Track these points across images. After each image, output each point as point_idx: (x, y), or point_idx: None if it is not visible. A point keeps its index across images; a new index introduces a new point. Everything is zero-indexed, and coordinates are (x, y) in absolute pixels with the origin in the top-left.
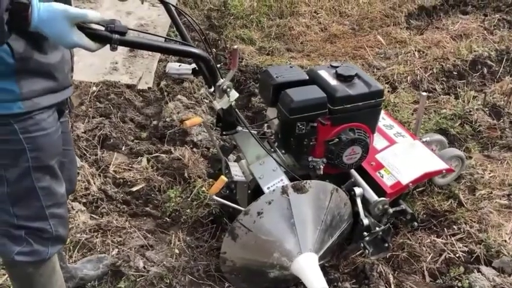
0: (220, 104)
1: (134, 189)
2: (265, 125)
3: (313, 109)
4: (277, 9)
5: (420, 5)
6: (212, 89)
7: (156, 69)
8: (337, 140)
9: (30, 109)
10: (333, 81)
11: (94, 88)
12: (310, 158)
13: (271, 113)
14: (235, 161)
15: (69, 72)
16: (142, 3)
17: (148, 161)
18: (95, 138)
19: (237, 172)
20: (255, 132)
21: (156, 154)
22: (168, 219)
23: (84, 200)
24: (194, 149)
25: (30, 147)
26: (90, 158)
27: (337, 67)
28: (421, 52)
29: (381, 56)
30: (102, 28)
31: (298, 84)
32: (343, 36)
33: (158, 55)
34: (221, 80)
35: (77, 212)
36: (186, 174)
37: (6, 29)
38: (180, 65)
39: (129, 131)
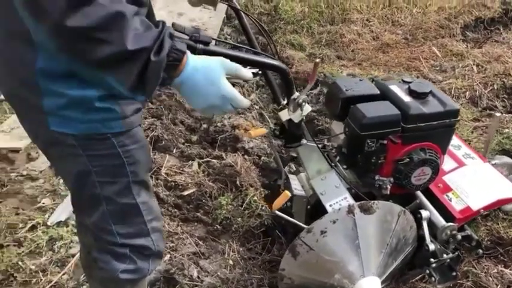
0: (292, 117)
1: (185, 193)
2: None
3: (386, 126)
4: (328, 15)
5: (477, 17)
6: (285, 101)
7: None
8: (407, 159)
9: (128, 128)
10: (406, 98)
11: None
12: (376, 177)
13: (336, 127)
14: (292, 174)
15: None
16: (215, 9)
17: (199, 165)
18: (147, 139)
19: (296, 186)
20: (320, 146)
21: (207, 159)
22: (219, 227)
23: None
24: (245, 156)
25: (129, 160)
26: None
27: (410, 83)
28: (480, 66)
29: (437, 68)
30: (186, 37)
31: (369, 99)
32: (395, 45)
33: None
34: (297, 94)
35: None
36: (237, 182)
37: (161, 76)
38: None
39: (179, 134)
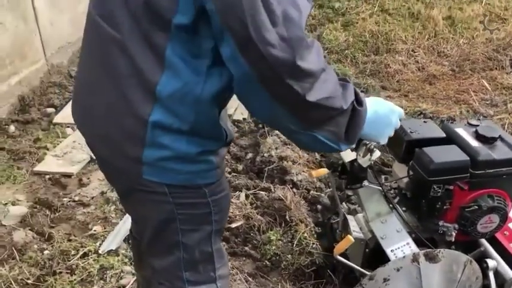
0: (361, 161)
1: (233, 225)
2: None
3: (454, 172)
4: (372, 45)
5: None
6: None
7: None
8: (475, 206)
9: (219, 177)
10: (473, 142)
11: None
12: (440, 222)
13: (399, 169)
14: (349, 214)
15: None
16: None
17: (247, 197)
18: None
19: (354, 227)
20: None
21: (255, 190)
22: (268, 263)
23: None
24: (294, 189)
25: (216, 209)
26: None
27: (477, 126)
28: None
29: (487, 102)
30: None
31: (435, 142)
32: (442, 77)
33: None
34: None
35: None
36: (287, 217)
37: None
38: None
39: (225, 162)
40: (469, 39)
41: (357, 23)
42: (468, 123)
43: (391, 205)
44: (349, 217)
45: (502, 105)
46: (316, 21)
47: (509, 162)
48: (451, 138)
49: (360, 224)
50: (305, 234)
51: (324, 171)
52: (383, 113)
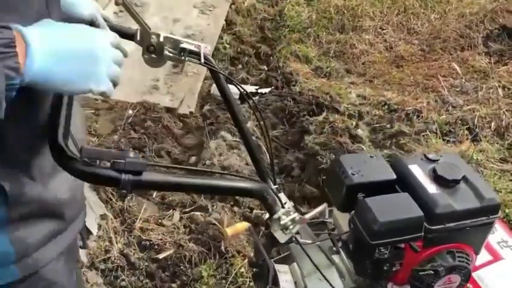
0: (278, 237)
1: (161, 256)
2: (327, 211)
3: (403, 233)
4: (338, 22)
5: (502, 25)
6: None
7: (200, 90)
8: (429, 268)
9: (31, 271)
10: (430, 187)
11: (130, 112)
12: (389, 285)
13: (341, 215)
14: (281, 263)
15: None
16: (181, 71)
17: (180, 218)
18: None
19: (286, 284)
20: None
21: (190, 209)
22: None
23: (103, 267)
24: (234, 208)
25: None
26: (116, 205)
27: (435, 161)
28: (506, 89)
29: (457, 89)
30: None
31: (383, 187)
32: (411, 58)
33: (203, 73)
34: (282, 210)
35: (92, 286)
36: (222, 247)
37: None
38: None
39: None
40: (441, 14)
41: None
42: (425, 157)
43: (333, 246)
44: (283, 268)
45: (472, 92)
46: None
47: (475, 213)
48: (403, 181)
49: (296, 277)
50: (242, 269)
51: (242, 226)
52: (72, 47)
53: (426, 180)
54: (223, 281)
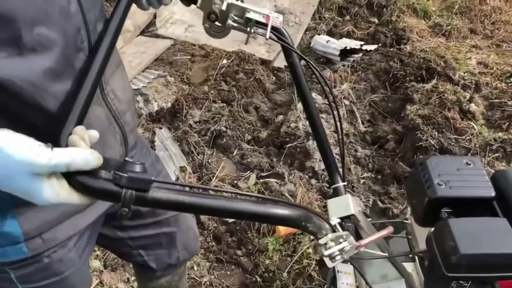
0: (326, 262)
1: (231, 220)
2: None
3: (490, 270)
4: None
5: None
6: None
7: (300, 42)
8: None
9: (40, 251)
10: None
11: (225, 61)
12: None
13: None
14: (347, 262)
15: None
16: (246, 43)
17: (255, 183)
18: (207, 133)
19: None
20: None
21: (267, 174)
22: (258, 279)
23: None
24: (312, 181)
25: None
26: (196, 158)
27: None
28: None
29: None
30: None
31: (476, 206)
32: None
33: (306, 23)
34: (329, 236)
35: None
36: None
37: None
38: (328, 41)
39: (248, 127)
40: None
41: None
42: None
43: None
44: (345, 269)
45: None
46: None
47: None
48: (503, 201)
49: (360, 282)
50: (308, 250)
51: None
52: None
53: None
54: (289, 259)
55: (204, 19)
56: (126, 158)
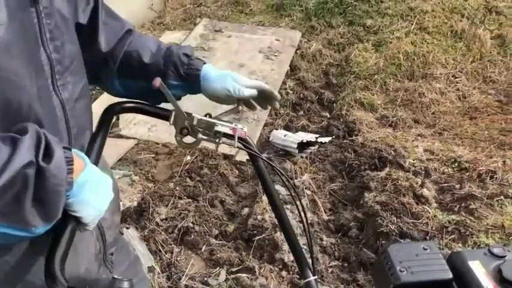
0: None
1: None
2: None
3: None
4: (407, 69)
5: None
6: None
7: (259, 137)
8: None
9: None
10: None
11: (189, 158)
12: None
13: None
14: None
15: None
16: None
17: (226, 279)
18: (174, 230)
19: None
20: None
21: (237, 270)
22: None
23: None
24: (283, 273)
25: None
26: (164, 257)
27: (502, 258)
28: None
29: None
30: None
31: (437, 287)
32: (486, 110)
33: (263, 120)
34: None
35: None
36: None
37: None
38: (285, 135)
39: (215, 221)
40: None
41: (391, 42)
42: (490, 251)
43: None
44: None
45: None
46: (344, 40)
47: None
48: (460, 281)
49: None
50: None
51: None
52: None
53: (489, 284)
54: None
55: (176, 133)
56: (115, 276)
